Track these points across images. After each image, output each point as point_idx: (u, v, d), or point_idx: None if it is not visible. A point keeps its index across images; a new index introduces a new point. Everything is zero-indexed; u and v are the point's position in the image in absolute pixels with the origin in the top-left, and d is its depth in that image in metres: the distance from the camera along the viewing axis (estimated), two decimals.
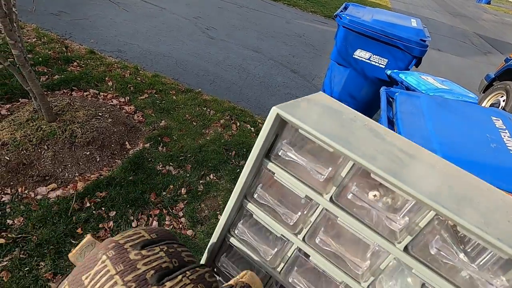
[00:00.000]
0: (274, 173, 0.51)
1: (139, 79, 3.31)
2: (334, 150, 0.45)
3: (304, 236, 0.51)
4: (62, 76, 3.00)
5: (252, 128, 3.07)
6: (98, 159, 2.31)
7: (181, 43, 4.43)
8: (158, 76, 3.45)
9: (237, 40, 5.07)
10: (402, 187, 0.44)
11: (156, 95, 3.15)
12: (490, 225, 0.45)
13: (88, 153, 2.30)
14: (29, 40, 3.42)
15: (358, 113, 0.59)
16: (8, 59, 2.03)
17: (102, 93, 2.95)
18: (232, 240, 0.59)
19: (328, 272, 0.53)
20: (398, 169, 0.49)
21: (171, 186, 2.25)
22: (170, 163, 2.44)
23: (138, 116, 2.84)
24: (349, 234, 0.55)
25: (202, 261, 0.61)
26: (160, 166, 2.39)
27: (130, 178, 2.22)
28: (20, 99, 2.59)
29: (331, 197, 0.49)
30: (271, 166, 0.51)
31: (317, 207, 0.50)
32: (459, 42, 9.02)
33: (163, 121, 2.84)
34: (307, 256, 0.54)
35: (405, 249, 0.50)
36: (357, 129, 0.54)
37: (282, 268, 0.56)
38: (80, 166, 2.23)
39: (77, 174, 2.17)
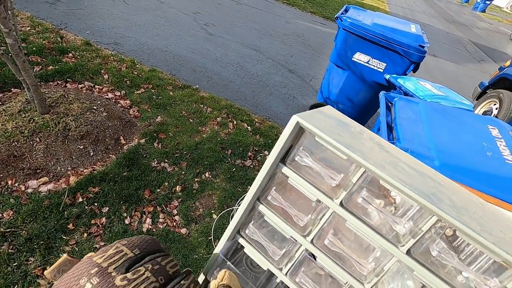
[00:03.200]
0: (288, 177, 0.52)
1: (135, 73, 3.26)
2: (348, 157, 0.46)
3: (312, 238, 0.53)
4: (57, 67, 2.93)
5: (249, 127, 3.06)
6: (91, 154, 2.27)
7: (179, 38, 4.38)
8: (155, 71, 3.41)
9: (236, 37, 5.03)
10: (409, 193, 0.46)
11: (152, 90, 3.11)
12: (485, 232, 0.48)
13: (81, 147, 2.26)
14: (23, 29, 3.33)
15: (364, 127, 0.61)
16: (1, 48, 1.97)
17: (98, 86, 2.90)
18: (241, 241, 0.59)
19: (334, 273, 0.55)
20: (404, 178, 0.50)
21: (166, 183, 2.23)
22: (165, 160, 2.41)
23: (134, 111, 2.80)
24: (355, 237, 0.57)
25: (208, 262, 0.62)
26: (155, 162, 2.36)
27: (124, 174, 2.19)
28: (12, 89, 2.52)
29: (341, 202, 0.51)
30: (285, 170, 0.52)
31: (327, 210, 0.51)
32: (454, 48, 9.14)
33: (159, 117, 2.80)
34: (315, 257, 0.56)
35: (408, 252, 0.52)
36: (365, 141, 0.56)
37: (289, 268, 0.57)
38: (73, 160, 2.18)
39: (69, 168, 2.13)
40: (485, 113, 4.01)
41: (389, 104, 1.85)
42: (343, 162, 0.48)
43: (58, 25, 3.67)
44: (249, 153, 2.73)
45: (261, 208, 0.56)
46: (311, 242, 0.53)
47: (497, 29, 16.06)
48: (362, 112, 3.20)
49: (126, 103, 2.84)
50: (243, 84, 3.85)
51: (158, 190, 2.17)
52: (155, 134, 2.60)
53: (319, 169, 0.49)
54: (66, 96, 2.52)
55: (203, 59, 4.08)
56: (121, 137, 2.50)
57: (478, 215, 0.55)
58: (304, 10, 7.91)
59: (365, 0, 11.53)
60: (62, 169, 2.11)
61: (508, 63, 4.04)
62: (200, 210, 2.14)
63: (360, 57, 2.95)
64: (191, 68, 3.80)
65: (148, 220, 1.98)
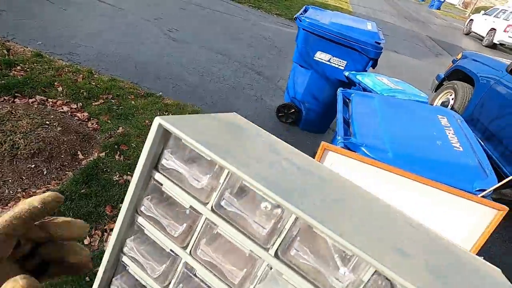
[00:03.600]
0: (162, 184, 0.47)
1: (93, 83, 3.11)
2: (210, 158, 0.42)
3: (191, 250, 0.48)
4: (3, 81, 2.72)
5: None
6: (45, 172, 2.11)
7: (141, 45, 4.25)
8: (115, 80, 3.27)
9: (201, 42, 4.97)
10: (264, 190, 0.42)
11: (112, 101, 2.98)
12: (340, 225, 0.43)
13: (33, 166, 2.10)
14: None
15: (268, 133, 0.57)
16: None
17: (51, 100, 2.72)
18: (125, 259, 0.54)
19: (213, 285, 0.50)
20: (272, 176, 0.47)
21: None
22: (128, 172, 2.30)
23: (93, 124, 2.65)
24: (229, 244, 0.52)
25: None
26: (117, 176, 2.25)
27: (82, 191, 2.06)
28: None
29: (212, 206, 0.46)
30: (158, 176, 0.47)
31: (200, 217, 0.47)
32: (414, 44, 9.64)
33: (121, 127, 2.68)
34: (193, 270, 0.51)
35: (276, 254, 0.48)
36: (251, 143, 0.52)
37: (174, 286, 0.52)
38: (23, 181, 2.02)
39: (19, 190, 1.97)
40: (443, 103, 4.23)
41: (347, 100, 1.88)
42: (212, 163, 0.45)
43: (4, 36, 3.42)
44: None
45: (140, 220, 0.51)
46: (190, 253, 0.48)
47: (451, 24, 17.18)
48: (328, 109, 3.26)
49: (83, 115, 2.69)
50: (210, 89, 3.79)
51: (121, 205, 2.06)
52: (116, 146, 2.47)
53: (184, 171, 0.45)
54: (14, 113, 2.34)
55: (167, 66, 3.98)
56: (79, 152, 2.36)
57: (353, 210, 0.50)
58: (269, 13, 7.99)
59: (329, 1, 11.89)
60: (11, 192, 1.94)
61: (459, 56, 4.29)
62: None
63: (321, 56, 3.01)
64: (154, 75, 3.69)
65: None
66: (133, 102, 3.05)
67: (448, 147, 1.44)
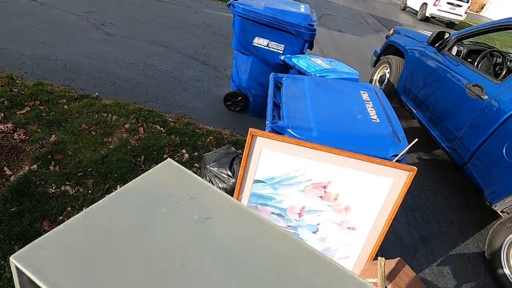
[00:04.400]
0: None
1: (15, 90, 2.81)
2: None
3: None
4: None
5: (162, 129, 2.92)
6: None
7: (70, 43, 3.91)
8: (42, 84, 2.99)
9: (140, 35, 4.70)
10: None
11: (41, 107, 2.73)
12: None
13: None
14: None
15: (198, 182, 0.53)
16: None
17: None
18: None
19: None
20: None
21: (69, 208, 2.00)
22: (67, 182, 2.16)
23: (20, 135, 2.42)
24: None
25: None
26: (53, 188, 2.10)
27: (13, 209, 1.89)
28: None
29: None
30: None
31: None
32: (356, 22, 10.07)
33: (53, 135, 2.49)
34: None
35: None
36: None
37: None
38: None
39: None
40: (381, 77, 4.53)
41: (279, 85, 1.93)
42: None
43: None
44: (165, 155, 2.62)
45: None
46: None
47: (390, 1, 18.15)
48: None
49: (7, 127, 2.44)
50: (152, 84, 3.64)
51: (61, 217, 1.94)
52: (49, 156, 2.30)
53: None
54: None
55: (102, 63, 3.72)
56: (6, 168, 2.15)
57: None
58: None
59: None
60: None
61: (391, 31, 4.59)
62: None
63: (259, 42, 3.02)
64: (88, 75, 3.44)
65: None
66: (65, 107, 2.82)
67: (366, 120, 1.56)
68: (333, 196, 1.47)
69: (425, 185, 3.08)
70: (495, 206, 2.42)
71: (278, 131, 1.46)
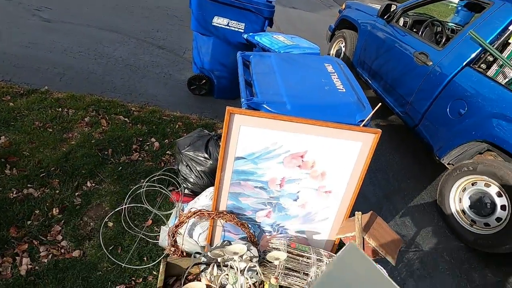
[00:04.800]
0: None
1: None
2: None
3: None
4: None
5: (127, 119, 2.79)
6: None
7: (4, 33, 3.46)
8: None
9: (84, 19, 4.30)
10: None
11: None
12: None
13: None
14: None
15: None
16: None
17: None
18: None
19: None
20: None
21: (37, 211, 1.88)
22: (29, 185, 2.00)
23: None
24: None
25: None
26: (14, 192, 1.94)
27: None
28: None
29: None
30: None
31: None
32: None
33: (3, 137, 2.25)
34: None
35: None
36: None
37: None
38: None
39: None
40: (337, 52, 4.72)
41: (247, 63, 1.95)
42: None
43: None
44: (134, 146, 2.52)
45: None
46: None
47: None
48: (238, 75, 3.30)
49: None
50: (107, 72, 3.41)
51: (29, 222, 1.82)
52: (3, 160, 2.09)
53: None
54: None
55: (46, 54, 3.37)
56: None
57: None
58: None
59: None
60: None
61: (343, 6, 4.75)
62: (91, 224, 1.91)
63: (219, 21, 2.96)
64: (32, 67, 3.10)
65: (26, 260, 1.66)
66: (11, 104, 2.55)
67: (334, 90, 1.66)
68: (310, 164, 1.58)
69: (384, 149, 3.38)
70: (443, 160, 2.76)
71: (254, 108, 1.50)
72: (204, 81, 3.38)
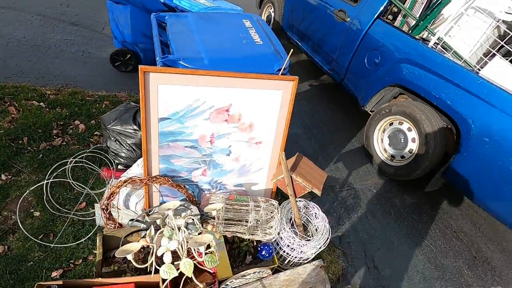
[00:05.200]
0: None
1: None
2: None
3: None
4: None
5: (42, 103, 2.50)
6: None
7: None
8: None
9: None
10: None
11: None
12: None
13: None
14: None
15: None
16: None
17: None
18: None
19: None
20: None
21: None
22: None
23: None
24: None
25: None
26: None
27: None
28: None
29: None
30: None
31: None
32: None
33: None
34: None
35: None
36: None
37: None
38: None
39: None
40: (267, 17, 4.74)
41: (163, 24, 1.86)
42: None
43: None
44: (55, 131, 2.29)
45: None
46: None
47: None
48: None
49: None
50: (10, 55, 2.96)
51: None
52: None
53: None
54: None
55: None
56: None
57: None
58: None
59: None
60: None
61: None
62: (14, 216, 1.74)
63: None
64: None
65: None
66: None
67: (251, 43, 1.69)
68: (237, 117, 1.62)
69: (318, 106, 3.60)
70: (366, 107, 3.05)
71: (170, 65, 1.46)
72: (129, 55, 3.15)
